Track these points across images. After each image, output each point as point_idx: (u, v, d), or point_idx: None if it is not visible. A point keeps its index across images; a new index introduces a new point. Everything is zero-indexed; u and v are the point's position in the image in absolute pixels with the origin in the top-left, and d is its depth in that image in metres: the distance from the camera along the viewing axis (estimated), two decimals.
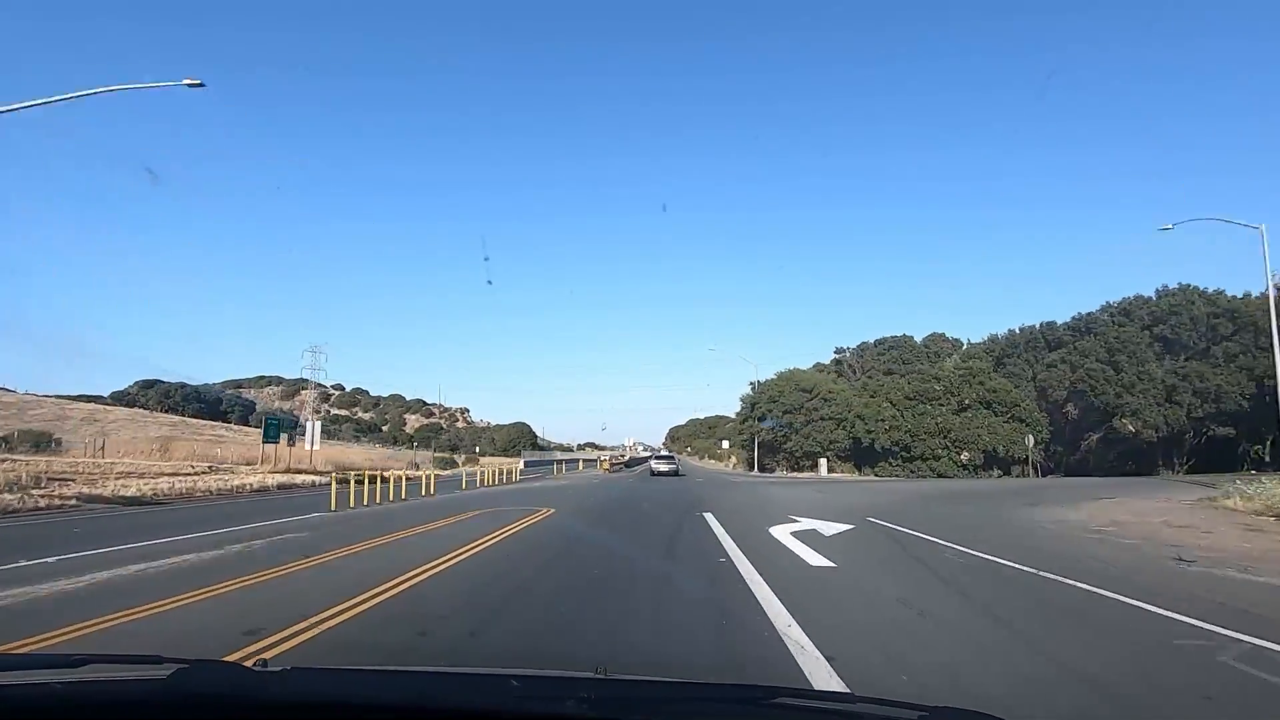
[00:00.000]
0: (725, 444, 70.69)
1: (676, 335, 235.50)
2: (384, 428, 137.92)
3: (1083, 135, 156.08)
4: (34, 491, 19.88)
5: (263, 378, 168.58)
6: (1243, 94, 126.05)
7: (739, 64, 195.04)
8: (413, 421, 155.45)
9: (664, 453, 58.51)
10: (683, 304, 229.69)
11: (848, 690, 3.78)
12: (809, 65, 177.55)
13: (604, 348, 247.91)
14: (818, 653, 4.76)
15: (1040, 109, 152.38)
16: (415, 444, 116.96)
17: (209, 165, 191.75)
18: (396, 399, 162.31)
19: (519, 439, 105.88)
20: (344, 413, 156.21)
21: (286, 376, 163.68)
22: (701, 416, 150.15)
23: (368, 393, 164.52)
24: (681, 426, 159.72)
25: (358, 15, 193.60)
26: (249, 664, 1.78)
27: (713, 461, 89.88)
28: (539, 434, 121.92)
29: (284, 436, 43.72)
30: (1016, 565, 8.91)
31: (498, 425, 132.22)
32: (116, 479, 26.11)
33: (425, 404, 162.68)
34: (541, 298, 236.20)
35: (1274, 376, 23.00)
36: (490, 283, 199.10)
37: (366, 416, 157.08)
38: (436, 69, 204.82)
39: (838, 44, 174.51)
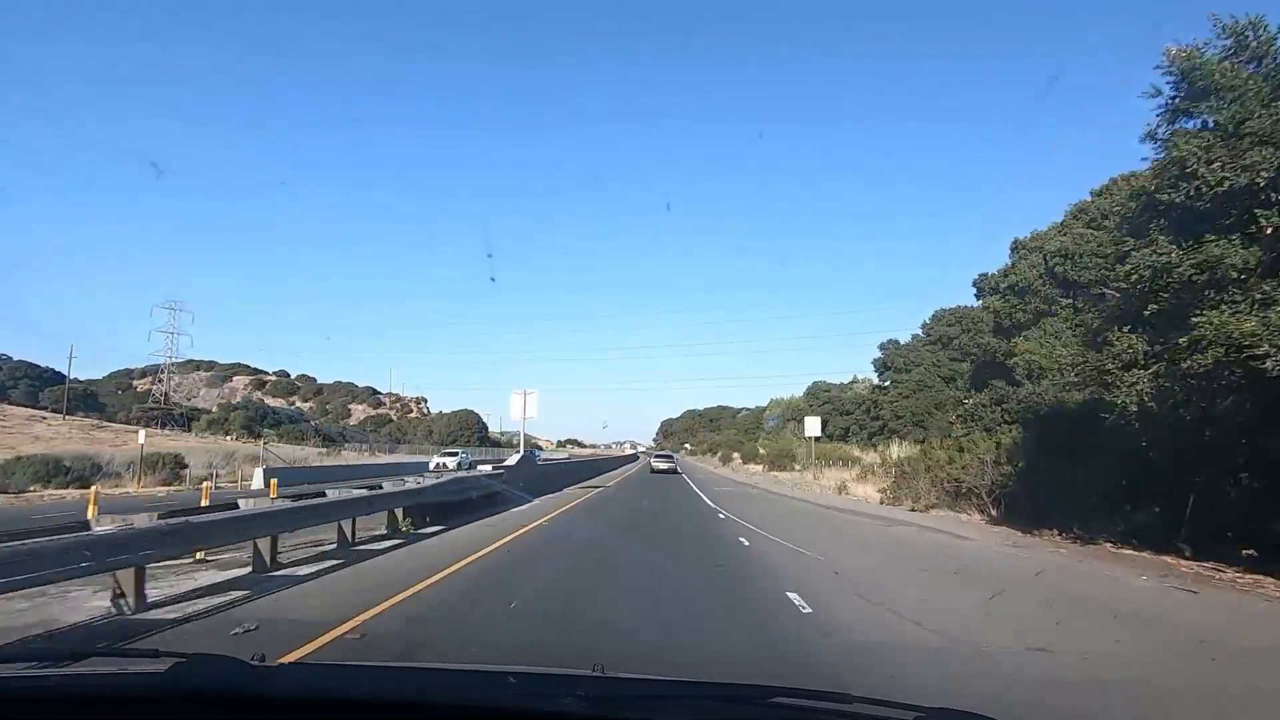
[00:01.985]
0: (812, 426, 35.71)
1: (672, 332, 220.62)
2: (316, 420, 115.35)
3: None
4: None
5: (191, 362, 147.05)
6: None
7: (740, 62, 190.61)
8: (359, 411, 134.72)
9: (662, 451, 59.61)
10: (682, 306, 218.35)
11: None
12: (810, 63, 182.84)
13: (602, 345, 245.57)
14: None
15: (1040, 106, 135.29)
16: (345, 439, 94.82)
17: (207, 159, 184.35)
18: (342, 387, 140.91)
19: (463, 430, 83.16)
20: (280, 403, 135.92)
21: (221, 361, 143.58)
22: (700, 408, 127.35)
23: (314, 380, 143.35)
24: (675, 420, 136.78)
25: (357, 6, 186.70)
26: (248, 658, 1.71)
27: (754, 467, 52.89)
28: (496, 425, 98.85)
29: None
30: None
31: (439, 414, 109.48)
32: None
33: (376, 393, 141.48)
34: (537, 296, 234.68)
35: None
36: (493, 279, 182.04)
37: (306, 406, 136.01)
38: (435, 59, 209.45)
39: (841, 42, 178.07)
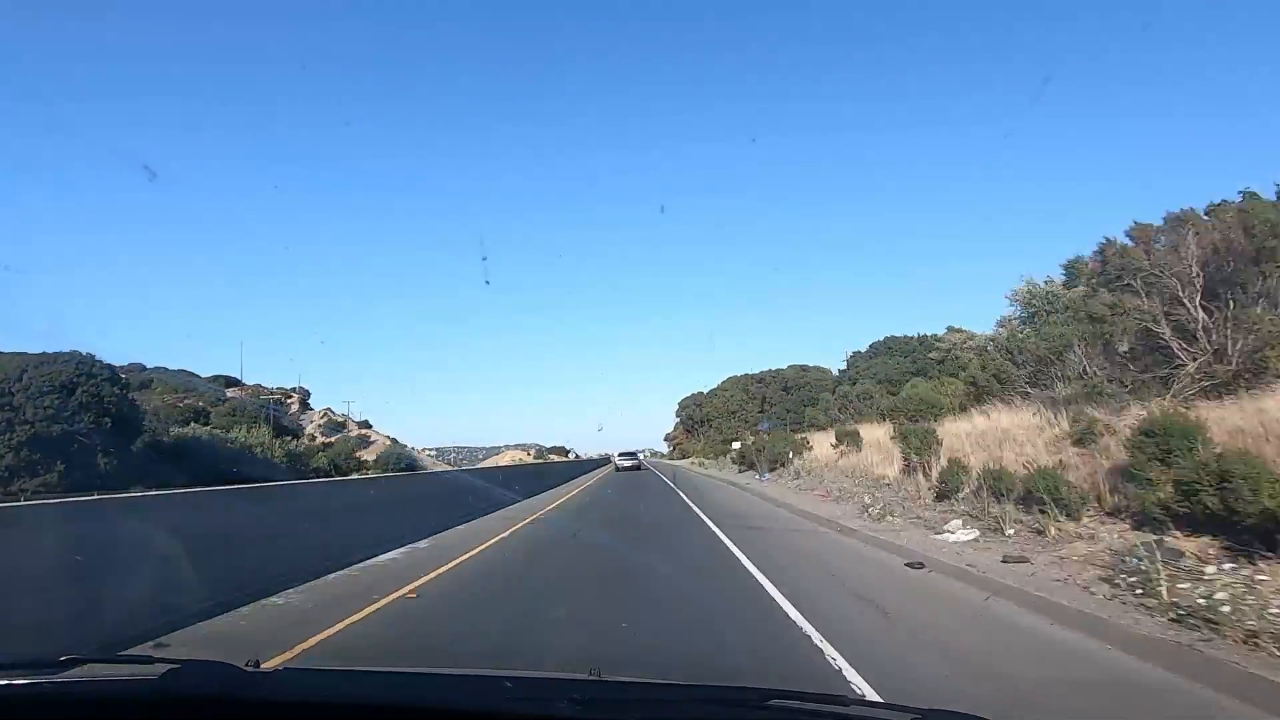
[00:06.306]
0: None
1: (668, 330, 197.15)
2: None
3: None
4: None
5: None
6: None
7: (737, 63, 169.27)
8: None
9: (629, 450, 58.09)
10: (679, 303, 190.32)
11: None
12: (808, 66, 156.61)
13: (602, 346, 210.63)
14: None
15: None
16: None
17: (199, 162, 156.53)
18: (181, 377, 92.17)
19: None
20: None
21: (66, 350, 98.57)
22: (753, 371, 72.68)
23: (177, 371, 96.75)
24: (710, 395, 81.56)
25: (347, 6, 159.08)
26: (241, 664, 1.67)
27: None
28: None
29: None
30: None
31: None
32: None
33: (236, 383, 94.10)
34: (525, 299, 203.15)
35: None
36: (488, 283, 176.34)
37: (151, 405, 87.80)
38: (425, 61, 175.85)
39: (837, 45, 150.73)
